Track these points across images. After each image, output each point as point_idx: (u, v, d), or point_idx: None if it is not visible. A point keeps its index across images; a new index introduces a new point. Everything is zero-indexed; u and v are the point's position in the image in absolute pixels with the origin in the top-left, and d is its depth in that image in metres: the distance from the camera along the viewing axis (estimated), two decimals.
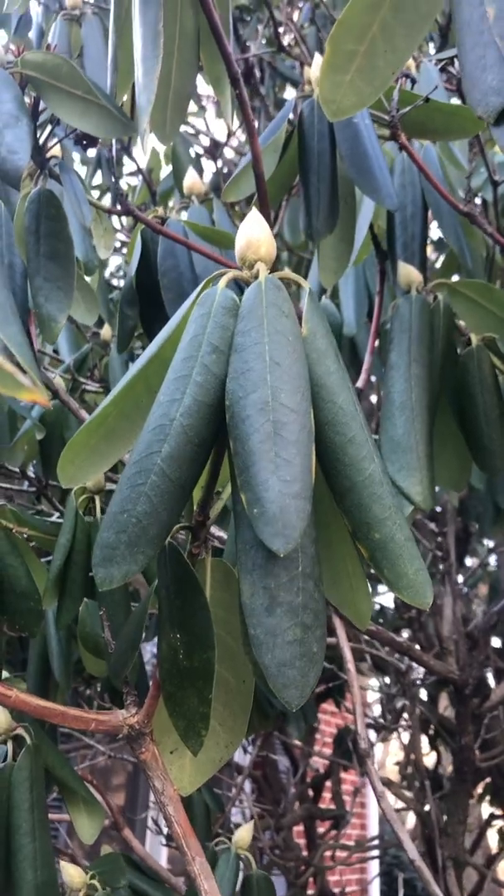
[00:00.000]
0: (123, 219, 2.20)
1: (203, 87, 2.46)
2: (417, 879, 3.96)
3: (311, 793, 2.44)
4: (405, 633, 2.30)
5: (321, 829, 2.50)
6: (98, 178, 2.03)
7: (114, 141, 1.10)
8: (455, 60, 1.09)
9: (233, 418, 0.47)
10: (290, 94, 2.50)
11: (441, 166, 1.01)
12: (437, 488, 0.90)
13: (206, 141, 2.56)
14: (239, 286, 0.53)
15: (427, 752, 2.30)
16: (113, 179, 1.03)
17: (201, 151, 2.50)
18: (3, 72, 0.79)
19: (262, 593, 0.47)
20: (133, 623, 0.65)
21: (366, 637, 1.83)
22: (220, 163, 2.42)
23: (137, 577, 1.10)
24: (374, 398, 1.91)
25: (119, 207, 1.00)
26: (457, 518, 2.08)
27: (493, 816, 2.30)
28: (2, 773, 0.84)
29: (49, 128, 0.89)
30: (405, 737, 2.32)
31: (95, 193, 2.26)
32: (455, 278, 1.12)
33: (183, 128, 2.09)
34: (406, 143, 0.83)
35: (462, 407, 0.90)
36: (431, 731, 2.28)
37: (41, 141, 0.90)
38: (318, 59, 0.93)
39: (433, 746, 2.33)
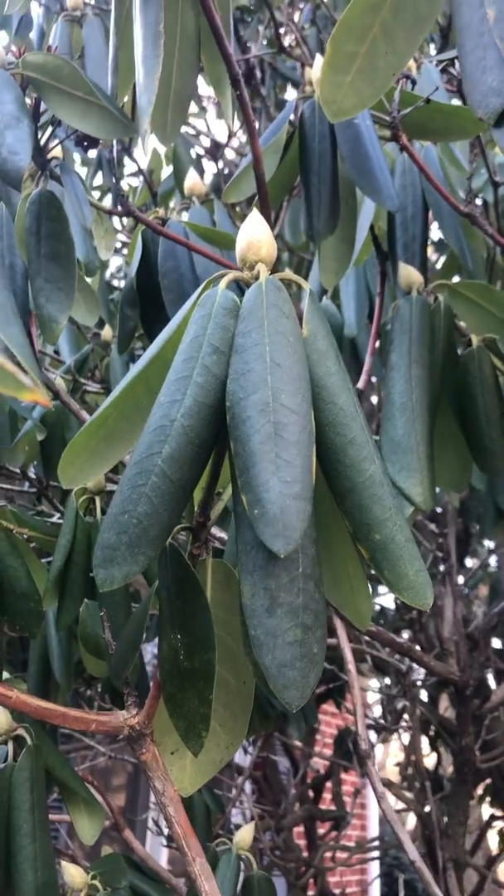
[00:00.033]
0: (124, 220, 2.20)
1: (204, 87, 2.46)
2: (418, 881, 3.96)
3: (311, 794, 2.44)
4: (405, 634, 2.30)
5: (321, 830, 2.50)
6: (99, 179, 2.03)
7: (115, 142, 1.11)
8: (456, 61, 1.09)
9: (233, 419, 0.47)
10: (290, 94, 2.50)
11: (442, 167, 1.01)
12: (437, 489, 0.90)
13: (206, 142, 2.56)
14: (240, 287, 0.53)
15: (427, 753, 2.29)
16: (114, 180, 1.03)
17: (202, 152, 2.50)
18: (4, 73, 0.79)
19: (263, 594, 0.47)
20: (134, 624, 0.65)
21: (366, 638, 1.83)
22: (220, 164, 2.42)
23: (138, 578, 1.10)
24: (374, 399, 1.92)
25: (120, 208, 1.00)
26: (457, 519, 2.08)
27: (493, 818, 2.30)
28: (2, 774, 0.84)
29: (50, 129, 0.89)
30: (405, 738, 2.32)
31: (96, 194, 2.26)
32: (456, 279, 1.12)
33: (184, 129, 2.09)
34: (407, 143, 0.83)
35: (463, 408, 0.90)
36: (432, 733, 2.28)
37: (42, 142, 0.90)
38: (319, 60, 0.93)
39: (433, 747, 2.33)
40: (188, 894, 1.05)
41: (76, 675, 1.17)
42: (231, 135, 2.38)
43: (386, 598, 2.43)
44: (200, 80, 1.62)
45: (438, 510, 2.05)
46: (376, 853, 3.01)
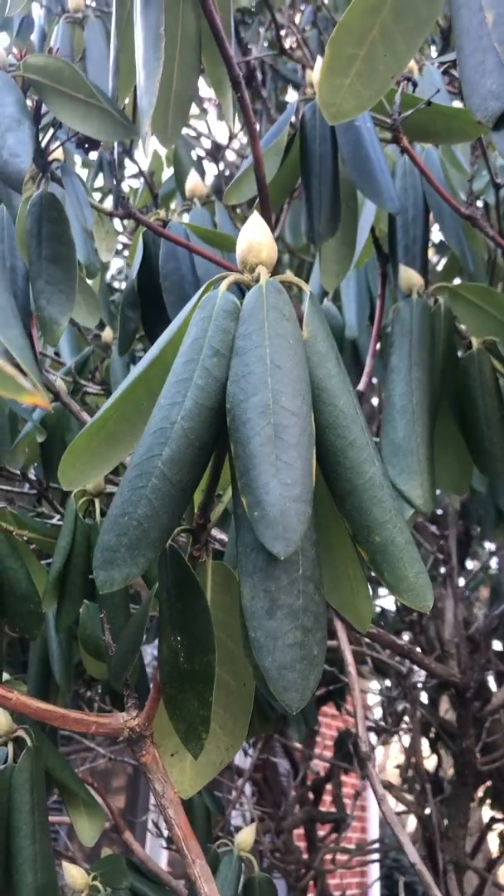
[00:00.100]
0: (125, 221, 2.20)
1: (204, 89, 2.46)
2: (418, 883, 3.95)
3: (311, 796, 2.44)
4: (406, 636, 2.30)
5: (322, 833, 2.49)
6: (100, 181, 2.04)
7: (115, 144, 1.11)
8: (456, 63, 1.09)
9: (234, 421, 0.47)
10: (291, 96, 2.51)
11: (443, 169, 1.01)
12: (438, 491, 0.90)
13: (207, 143, 2.56)
14: (240, 289, 0.54)
15: (428, 755, 2.29)
16: (114, 182, 1.03)
17: (203, 154, 2.50)
18: (5, 75, 0.79)
19: (263, 596, 0.47)
20: (134, 626, 0.65)
21: (367, 640, 1.83)
22: (221, 165, 2.43)
23: (137, 580, 1.10)
24: (374, 401, 1.92)
25: (121, 210, 1.00)
26: (458, 521, 2.08)
27: (493, 820, 2.29)
28: (2, 775, 0.84)
29: (51, 131, 0.90)
30: (406, 740, 2.32)
31: (97, 196, 2.26)
32: (457, 281, 1.12)
33: (185, 130, 2.09)
34: (408, 146, 0.83)
35: (463, 410, 0.90)
36: (432, 735, 2.27)
37: (43, 144, 0.90)
38: (319, 62, 0.93)
39: (434, 750, 2.33)
40: None
41: (76, 677, 1.17)
42: (232, 137, 2.38)
43: (386, 600, 2.43)
44: (201, 82, 1.62)
45: (439, 512, 2.05)
46: (376, 855, 3.01)
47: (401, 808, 2.13)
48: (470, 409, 0.88)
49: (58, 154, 1.00)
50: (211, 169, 2.52)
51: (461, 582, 2.25)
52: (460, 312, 0.90)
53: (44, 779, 0.87)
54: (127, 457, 0.58)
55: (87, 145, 0.92)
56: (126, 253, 2.32)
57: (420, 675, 2.08)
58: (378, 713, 2.65)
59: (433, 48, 2.00)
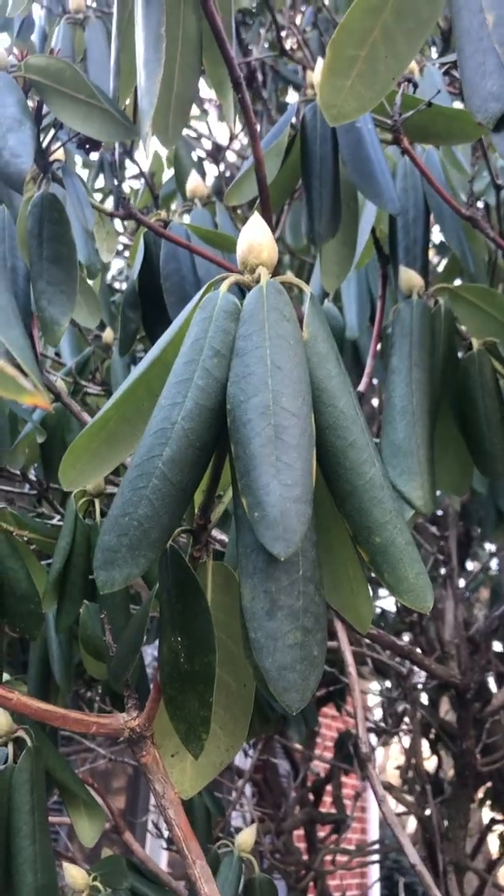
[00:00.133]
0: (125, 222, 2.20)
1: (205, 90, 2.46)
2: (418, 884, 3.95)
3: (311, 797, 2.44)
4: (406, 637, 2.30)
5: (322, 834, 2.49)
6: (100, 182, 2.04)
7: (116, 145, 1.11)
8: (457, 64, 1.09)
9: (234, 422, 0.47)
10: (292, 97, 2.51)
11: (443, 170, 1.01)
12: (438, 492, 0.90)
13: (208, 144, 2.57)
14: (241, 290, 0.54)
15: (428, 756, 2.29)
16: (115, 183, 1.03)
17: (203, 155, 2.50)
18: (6, 76, 0.79)
19: (263, 597, 0.47)
20: (134, 626, 0.65)
21: (367, 641, 1.83)
22: (222, 166, 2.43)
23: (138, 580, 1.10)
24: (375, 402, 1.92)
25: (122, 211, 1.00)
26: (458, 522, 2.08)
27: (493, 821, 2.29)
28: (2, 776, 0.84)
29: (52, 131, 0.90)
30: (406, 741, 2.32)
31: (97, 197, 2.26)
32: (457, 283, 1.12)
33: (185, 131, 2.09)
34: (408, 147, 0.83)
35: (463, 411, 0.90)
36: (432, 736, 2.27)
37: (44, 145, 0.90)
38: (320, 63, 0.93)
39: (434, 751, 2.33)
40: None
41: (76, 678, 1.17)
42: (232, 138, 2.38)
43: (386, 601, 2.43)
44: (201, 83, 1.62)
45: (439, 513, 2.05)
46: (376, 856, 3.01)
47: (401, 809, 2.13)
48: (470, 410, 0.88)
49: (59, 155, 1.00)
50: (211, 170, 2.52)
51: (461, 583, 2.25)
52: (461, 313, 0.90)
53: (44, 779, 0.87)
54: (128, 457, 0.58)
55: (88, 146, 0.92)
56: (126, 254, 2.32)
57: (420, 676, 2.08)
58: (378, 714, 2.65)
59: (433, 49, 2.00)
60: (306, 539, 0.47)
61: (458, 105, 1.05)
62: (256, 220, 0.55)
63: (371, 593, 0.58)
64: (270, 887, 1.05)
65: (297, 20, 2.38)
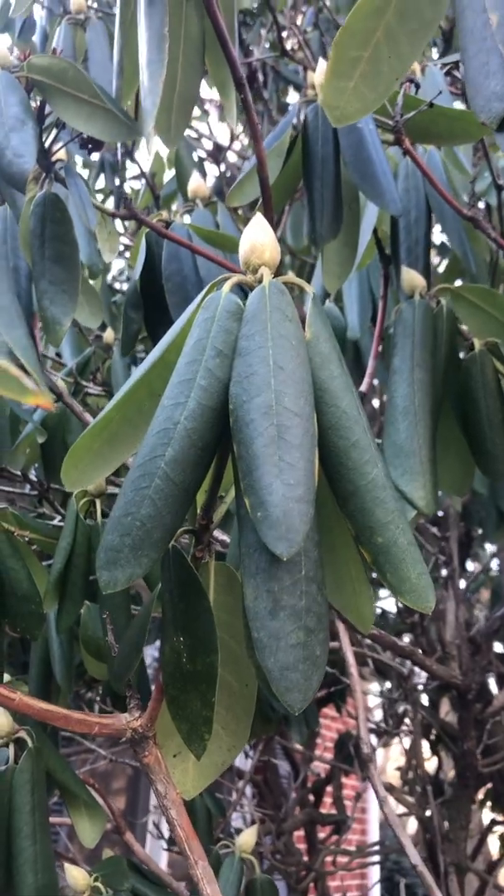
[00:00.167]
0: (125, 222, 2.20)
1: (206, 91, 2.46)
2: (418, 885, 3.95)
3: (312, 798, 2.44)
4: (407, 638, 2.30)
5: (322, 834, 2.49)
6: (101, 183, 2.04)
7: (118, 145, 1.11)
8: (459, 65, 1.09)
9: (237, 422, 0.47)
10: (292, 98, 2.51)
11: (445, 171, 1.01)
12: (439, 493, 0.90)
13: (208, 145, 2.57)
14: (243, 290, 0.54)
15: (428, 757, 2.29)
16: (117, 183, 1.03)
17: (204, 155, 2.50)
18: (9, 75, 0.79)
19: (266, 597, 0.47)
20: (136, 627, 0.65)
21: (367, 641, 1.83)
22: (223, 167, 2.43)
23: (139, 581, 1.10)
24: (375, 402, 1.92)
25: (124, 211, 1.00)
26: (459, 523, 2.07)
27: (494, 822, 2.29)
28: (3, 776, 0.84)
29: (55, 131, 0.90)
30: (406, 742, 2.32)
31: (98, 197, 2.26)
32: (458, 283, 1.12)
33: (186, 132, 2.09)
34: (410, 147, 0.83)
35: (465, 411, 0.90)
36: (433, 737, 2.27)
37: (47, 144, 0.90)
38: (322, 65, 0.93)
39: (434, 752, 2.32)
40: None
41: (77, 678, 1.17)
42: (233, 138, 2.38)
43: (387, 602, 2.43)
44: (203, 84, 1.62)
45: (440, 514, 2.05)
46: (377, 858, 3.00)
47: (401, 810, 2.12)
48: (472, 410, 0.88)
49: (60, 155, 1.00)
50: (212, 170, 2.52)
51: (462, 584, 2.25)
52: (462, 314, 0.90)
53: (45, 780, 0.87)
54: (129, 458, 0.58)
55: (90, 146, 0.92)
56: (127, 254, 2.32)
57: (421, 677, 2.07)
58: (378, 715, 2.65)
59: (434, 50, 2.00)
60: (309, 539, 0.47)
61: (459, 106, 1.05)
62: (259, 220, 0.55)
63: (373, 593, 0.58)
64: (271, 888, 1.05)
65: (298, 21, 2.38)
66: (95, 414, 1.10)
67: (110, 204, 2.07)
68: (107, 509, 0.99)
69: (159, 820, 2.50)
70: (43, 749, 0.87)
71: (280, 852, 2.12)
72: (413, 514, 0.80)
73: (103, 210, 1.15)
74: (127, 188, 2.31)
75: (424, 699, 2.19)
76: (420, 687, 2.09)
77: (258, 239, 0.53)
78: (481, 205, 1.26)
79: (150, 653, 2.39)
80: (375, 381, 1.49)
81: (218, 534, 0.90)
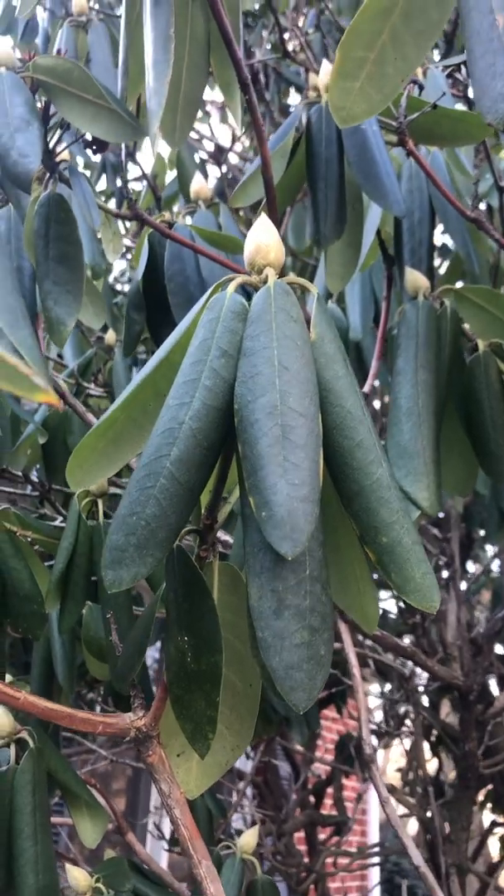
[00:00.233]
0: (127, 224, 2.20)
1: (207, 92, 2.46)
2: (419, 887, 3.95)
3: (312, 799, 2.44)
4: (407, 639, 2.30)
5: (323, 836, 2.49)
6: (101, 184, 2.04)
7: (122, 146, 1.11)
8: (461, 66, 1.09)
9: (241, 422, 0.47)
10: (294, 99, 2.51)
11: (448, 172, 1.01)
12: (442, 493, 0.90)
13: (209, 146, 2.57)
14: (247, 291, 0.54)
15: (429, 758, 2.29)
16: (121, 184, 1.04)
17: (206, 157, 2.50)
18: (14, 76, 0.79)
19: (270, 596, 0.47)
20: (140, 627, 0.65)
21: (368, 642, 1.83)
22: (224, 168, 2.43)
23: (141, 582, 1.10)
24: (376, 403, 1.92)
25: (128, 212, 1.00)
26: (461, 524, 2.08)
27: (494, 824, 2.29)
28: (4, 777, 0.84)
29: (59, 132, 0.90)
30: (407, 743, 2.32)
31: (100, 198, 2.26)
32: (459, 284, 1.12)
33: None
34: (413, 149, 0.83)
35: (469, 412, 0.90)
36: (433, 738, 2.27)
37: (51, 145, 0.90)
38: (326, 66, 0.93)
39: (435, 753, 2.32)
40: None
41: (78, 679, 1.17)
42: (235, 139, 2.39)
43: (387, 602, 2.43)
44: None
45: (441, 515, 2.05)
46: (377, 859, 3.00)
47: (402, 811, 2.12)
48: (476, 411, 0.88)
49: (64, 155, 1.00)
50: (213, 171, 2.52)
51: (463, 585, 2.25)
52: (466, 315, 0.90)
53: (46, 780, 0.87)
54: (133, 458, 0.58)
55: (94, 147, 0.92)
56: (128, 255, 2.32)
57: (422, 678, 2.07)
58: (379, 716, 2.65)
59: (436, 51, 2.00)
60: (313, 538, 0.48)
61: (460, 108, 1.05)
62: (264, 221, 0.55)
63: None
64: (272, 889, 1.05)
65: (300, 22, 2.39)
66: (97, 415, 1.10)
67: (112, 205, 2.07)
68: (108, 510, 0.99)
69: (160, 821, 2.50)
70: (44, 749, 0.87)
71: (281, 853, 2.12)
72: (416, 514, 0.80)
73: (108, 210, 1.15)
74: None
75: (425, 700, 2.19)
76: (421, 688, 2.09)
77: (263, 240, 0.54)
78: (482, 206, 1.27)
79: (150, 653, 2.39)
80: (377, 383, 1.49)
81: (220, 534, 0.90)
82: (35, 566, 0.98)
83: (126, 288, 2.32)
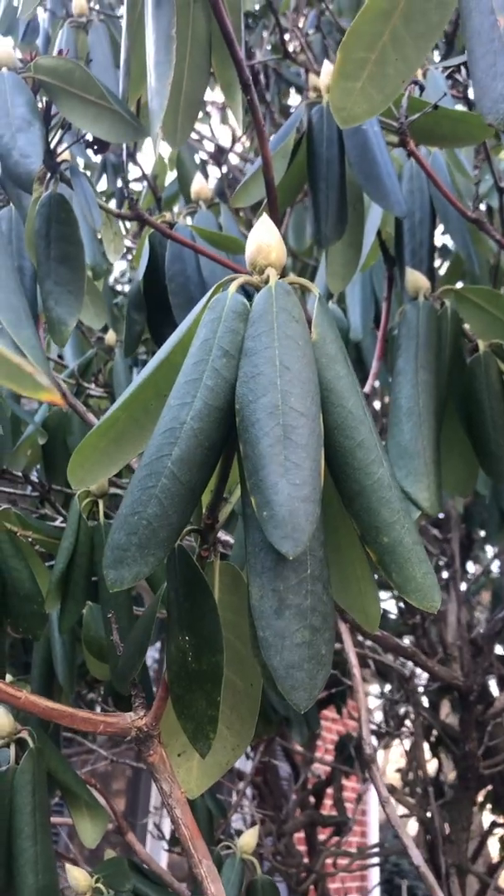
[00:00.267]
0: (127, 224, 2.20)
1: (207, 93, 2.46)
2: (419, 888, 3.94)
3: (312, 799, 2.44)
4: (407, 640, 2.30)
5: (322, 836, 2.49)
6: (103, 184, 2.04)
7: (124, 146, 1.11)
8: (461, 67, 1.10)
9: (243, 422, 0.47)
10: (294, 100, 2.51)
11: (449, 173, 1.01)
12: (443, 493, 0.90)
13: (210, 146, 2.57)
14: (248, 291, 0.54)
15: (429, 758, 2.29)
16: (121, 184, 1.04)
17: (206, 157, 2.50)
18: (16, 76, 0.79)
19: (271, 596, 0.47)
20: (141, 627, 0.65)
21: (368, 643, 1.83)
22: (224, 168, 2.43)
23: (141, 582, 1.10)
24: (377, 404, 1.92)
25: (130, 212, 1.00)
26: (461, 524, 2.08)
27: (494, 824, 2.29)
28: (4, 777, 0.84)
29: (60, 132, 0.90)
30: (407, 743, 2.32)
31: (101, 199, 2.26)
32: (459, 285, 1.12)
33: None
34: (414, 149, 0.84)
35: (469, 413, 0.90)
36: (433, 738, 2.27)
37: (53, 145, 0.90)
38: (327, 67, 0.93)
39: (435, 753, 2.32)
40: None
41: (78, 678, 1.17)
42: (235, 140, 2.39)
43: (388, 603, 2.42)
44: None
45: (441, 516, 2.05)
46: (376, 860, 3.00)
47: (402, 811, 2.12)
48: (476, 411, 0.88)
49: (65, 155, 1.00)
50: (213, 172, 2.53)
51: (463, 586, 2.25)
52: (466, 315, 0.90)
53: (46, 780, 0.87)
54: (134, 458, 0.58)
55: (96, 147, 0.92)
56: (128, 256, 2.32)
57: (422, 679, 2.07)
58: (379, 717, 2.65)
59: (436, 52, 2.00)
60: (314, 538, 0.48)
61: (460, 108, 1.05)
62: (265, 221, 0.55)
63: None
64: (272, 889, 1.05)
65: (300, 23, 2.39)
66: (97, 416, 1.10)
67: (112, 205, 2.07)
68: (109, 510, 0.99)
69: (160, 821, 2.50)
70: (44, 749, 0.87)
71: (281, 853, 2.12)
72: (417, 514, 0.80)
73: (109, 211, 1.16)
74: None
75: (425, 701, 2.19)
76: (421, 689, 2.09)
77: (265, 240, 0.54)
78: (482, 207, 1.27)
79: (151, 653, 2.39)
80: (377, 383, 1.49)
81: (221, 534, 0.91)
82: (35, 566, 0.98)
83: (127, 288, 2.32)
